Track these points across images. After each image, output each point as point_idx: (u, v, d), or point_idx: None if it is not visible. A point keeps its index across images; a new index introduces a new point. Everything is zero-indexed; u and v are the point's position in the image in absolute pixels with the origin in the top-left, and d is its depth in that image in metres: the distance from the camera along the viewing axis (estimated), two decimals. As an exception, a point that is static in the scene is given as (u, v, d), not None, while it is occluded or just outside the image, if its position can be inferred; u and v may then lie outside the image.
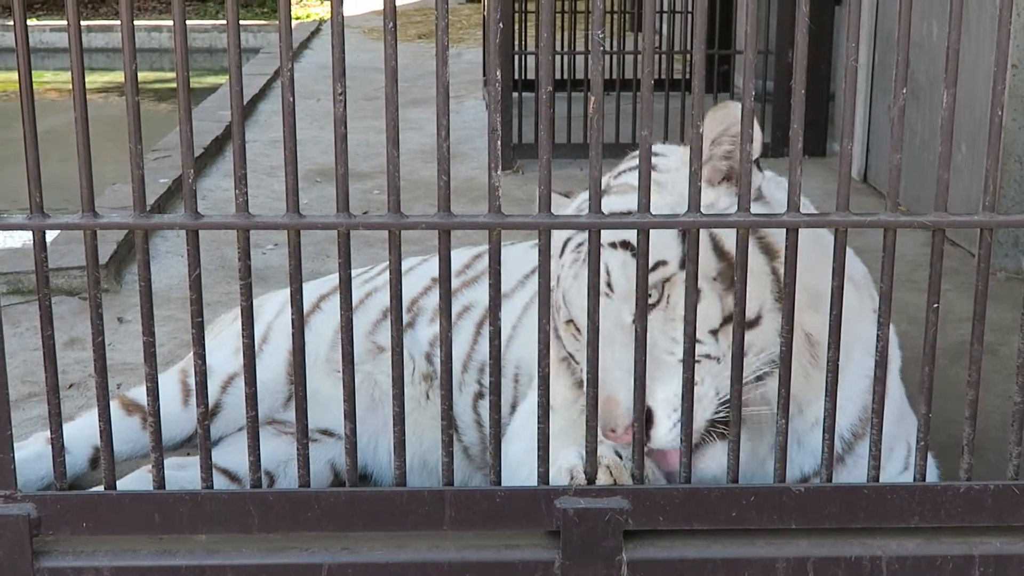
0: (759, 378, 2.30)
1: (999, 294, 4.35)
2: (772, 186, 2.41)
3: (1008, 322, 4.01)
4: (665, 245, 2.23)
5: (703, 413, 2.26)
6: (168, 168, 6.16)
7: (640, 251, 2.18)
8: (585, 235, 2.27)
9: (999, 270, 4.68)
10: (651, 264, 2.21)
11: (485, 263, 2.64)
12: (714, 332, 2.25)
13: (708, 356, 2.25)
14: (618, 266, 2.25)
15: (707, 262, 2.23)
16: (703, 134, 2.18)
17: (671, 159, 2.40)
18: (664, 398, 2.24)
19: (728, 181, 2.32)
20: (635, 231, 2.19)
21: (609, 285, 2.24)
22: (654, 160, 2.25)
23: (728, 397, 2.25)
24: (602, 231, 2.20)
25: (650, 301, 2.23)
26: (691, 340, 2.19)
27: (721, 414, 2.26)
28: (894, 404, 2.55)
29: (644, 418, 2.22)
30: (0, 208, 5.86)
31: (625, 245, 2.25)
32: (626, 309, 2.24)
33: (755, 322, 2.26)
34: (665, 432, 2.24)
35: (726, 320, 2.24)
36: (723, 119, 2.28)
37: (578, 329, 2.33)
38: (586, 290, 2.19)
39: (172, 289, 4.63)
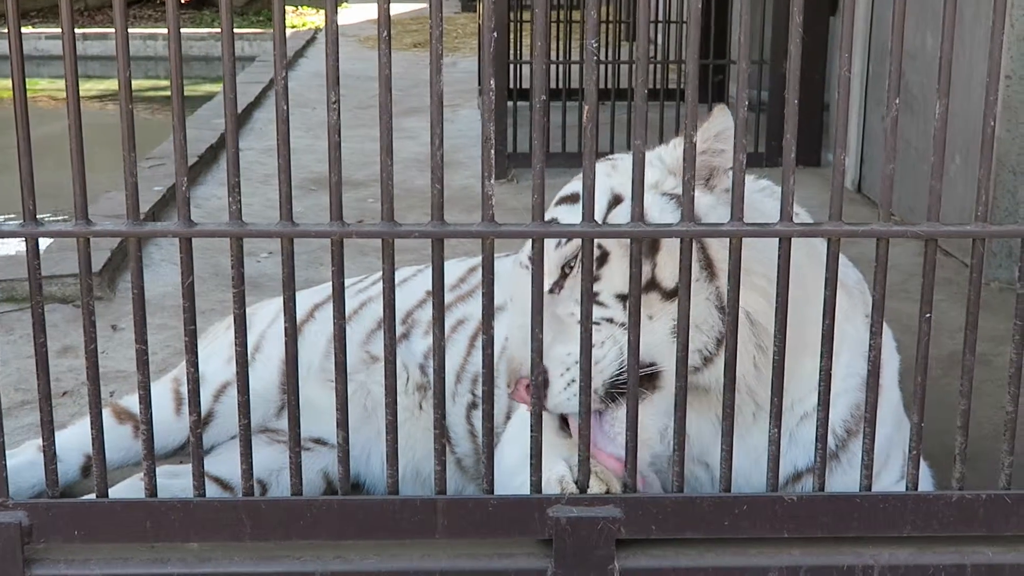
0: (707, 359, 2.31)
1: (992, 304, 4.36)
2: (757, 193, 2.42)
3: (1001, 332, 4.01)
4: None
5: (600, 376, 2.26)
6: (163, 176, 6.16)
7: (633, 259, 2.19)
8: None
9: (992, 280, 4.69)
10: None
11: (479, 277, 2.65)
12: (621, 297, 2.26)
13: (611, 320, 2.27)
14: (547, 247, 2.29)
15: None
16: (695, 143, 2.19)
17: (626, 163, 2.42)
18: (556, 356, 2.27)
19: (705, 185, 2.34)
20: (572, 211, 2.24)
21: (530, 259, 2.27)
22: (611, 165, 2.35)
23: (641, 365, 2.25)
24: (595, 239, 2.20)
25: (567, 272, 2.30)
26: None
27: (623, 379, 2.26)
28: (891, 411, 2.55)
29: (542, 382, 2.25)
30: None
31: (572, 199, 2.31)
32: (546, 283, 2.29)
33: (674, 292, 2.25)
34: (558, 391, 2.27)
35: (642, 288, 2.24)
36: (717, 124, 2.30)
37: None
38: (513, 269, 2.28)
39: (166, 297, 4.62)
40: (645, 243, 2.24)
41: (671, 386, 2.28)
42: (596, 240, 2.24)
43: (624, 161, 2.38)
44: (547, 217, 2.27)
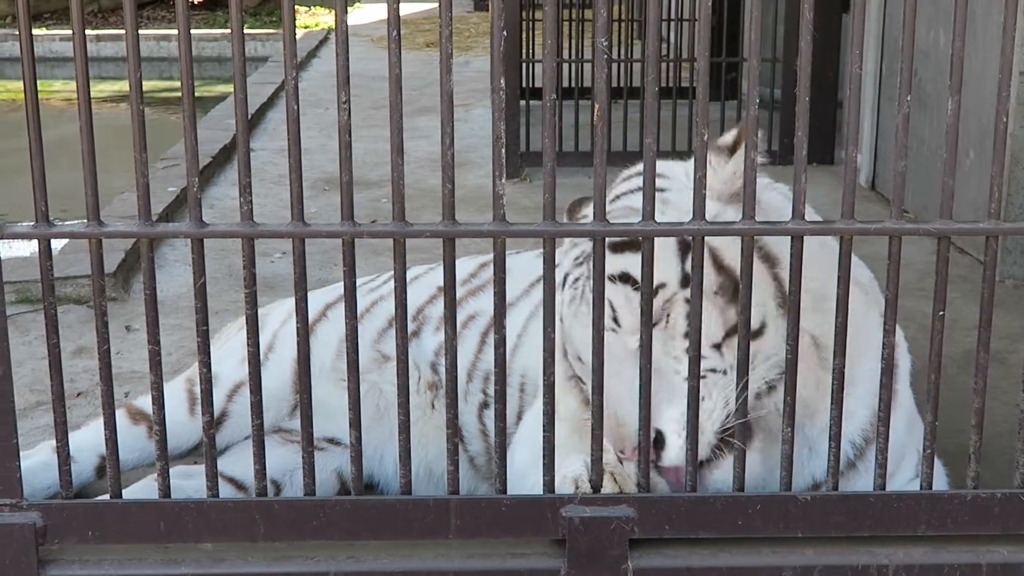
0: (771, 387, 2.30)
1: (1007, 302, 4.35)
2: (773, 194, 2.41)
3: (1016, 330, 4.01)
4: (664, 266, 2.23)
5: (712, 426, 2.25)
6: (176, 177, 6.17)
7: (644, 258, 2.18)
8: (582, 270, 2.31)
9: (1007, 278, 4.67)
10: (654, 286, 2.21)
11: (491, 272, 2.65)
12: (717, 346, 2.26)
13: (713, 370, 2.25)
14: (622, 302, 2.25)
15: (707, 277, 2.22)
16: (719, 146, 2.19)
17: (675, 179, 2.41)
18: (672, 417, 2.25)
19: (737, 199, 2.31)
20: (637, 262, 2.20)
21: (615, 320, 2.26)
22: (658, 181, 2.27)
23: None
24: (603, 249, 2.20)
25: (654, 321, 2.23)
26: (696, 350, 2.19)
27: (732, 425, 2.26)
28: (905, 411, 2.54)
29: (650, 433, 2.23)
30: (10, 217, 5.89)
31: (625, 279, 2.25)
32: (632, 340, 2.24)
33: (760, 331, 2.26)
34: (677, 451, 2.25)
35: (728, 333, 2.25)
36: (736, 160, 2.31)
37: (583, 362, 2.33)
38: (588, 327, 2.21)
39: (180, 298, 4.64)
40: (728, 290, 2.23)
41: (777, 430, 2.30)
42: (680, 293, 2.23)
43: (674, 188, 2.37)
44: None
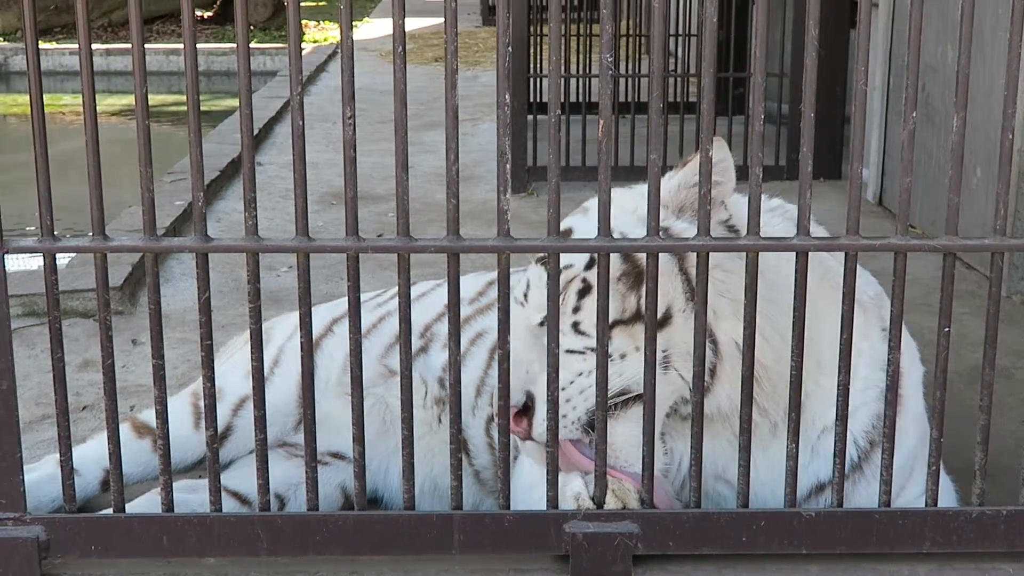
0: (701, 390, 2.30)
1: (1015, 318, 4.34)
2: (738, 198, 2.41)
3: (1023, 346, 3.99)
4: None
5: (585, 404, 2.28)
6: (184, 191, 6.18)
7: (649, 274, 2.18)
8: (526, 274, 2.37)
9: (1014, 293, 4.65)
10: (563, 266, 2.29)
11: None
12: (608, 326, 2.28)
13: (594, 349, 2.27)
14: (536, 280, 2.35)
15: (613, 263, 2.27)
16: (710, 157, 2.20)
17: (621, 200, 2.44)
18: (544, 383, 2.28)
19: (689, 212, 2.34)
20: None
21: (525, 296, 2.36)
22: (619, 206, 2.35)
23: (625, 392, 2.28)
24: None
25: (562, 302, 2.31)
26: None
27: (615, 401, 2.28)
28: (915, 421, 2.51)
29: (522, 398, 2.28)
30: (25, 226, 5.91)
31: (545, 261, 2.33)
32: (536, 316, 2.33)
33: (665, 321, 2.27)
34: (541, 419, 2.28)
35: (628, 319, 2.28)
36: (694, 163, 2.31)
37: None
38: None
39: (187, 311, 4.64)
40: (631, 276, 2.26)
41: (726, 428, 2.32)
42: (581, 274, 2.29)
43: (621, 197, 2.41)
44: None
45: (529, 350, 2.31)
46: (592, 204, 2.42)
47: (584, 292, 2.31)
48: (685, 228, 2.31)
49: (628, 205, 2.37)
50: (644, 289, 2.23)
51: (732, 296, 2.26)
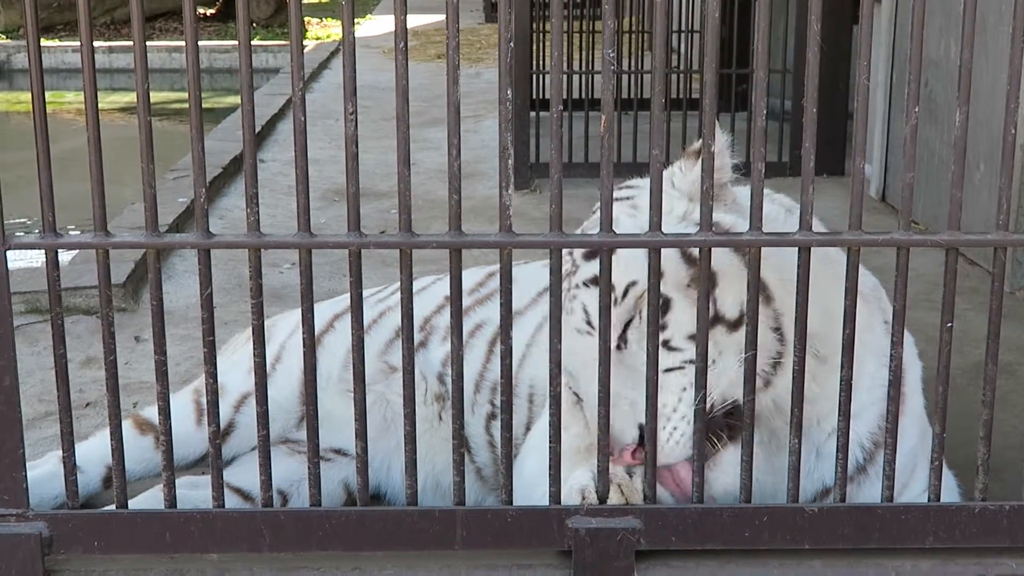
0: (767, 382, 2.30)
1: (1018, 313, 4.33)
2: (742, 189, 2.40)
3: (1026, 342, 3.99)
4: (635, 264, 2.24)
5: (691, 418, 2.25)
6: (187, 188, 6.18)
7: (651, 269, 2.18)
8: (567, 282, 2.31)
9: (1018, 289, 4.65)
10: (624, 286, 2.25)
11: (498, 281, 2.65)
12: (692, 338, 2.25)
13: (691, 362, 2.25)
14: (591, 302, 2.27)
15: (678, 271, 2.24)
16: (688, 152, 2.25)
17: (643, 187, 2.42)
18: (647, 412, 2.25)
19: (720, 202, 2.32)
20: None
21: (588, 323, 2.28)
22: (627, 191, 2.37)
23: (728, 402, 2.25)
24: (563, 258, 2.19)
25: (627, 326, 2.26)
26: (703, 347, 2.19)
27: (718, 414, 2.25)
28: (915, 420, 2.52)
29: (641, 435, 2.25)
30: (30, 224, 5.91)
31: (597, 282, 2.26)
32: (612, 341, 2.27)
33: (738, 322, 2.25)
34: (663, 443, 2.25)
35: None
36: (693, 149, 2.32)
37: (568, 371, 2.34)
38: (570, 336, 2.25)
39: (189, 308, 4.64)
40: (697, 281, 2.22)
41: (779, 430, 2.31)
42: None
43: (642, 196, 2.35)
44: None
45: (623, 382, 2.25)
46: (636, 196, 2.40)
47: (665, 308, 2.24)
48: (721, 218, 2.29)
49: (678, 211, 2.32)
50: (716, 292, 2.21)
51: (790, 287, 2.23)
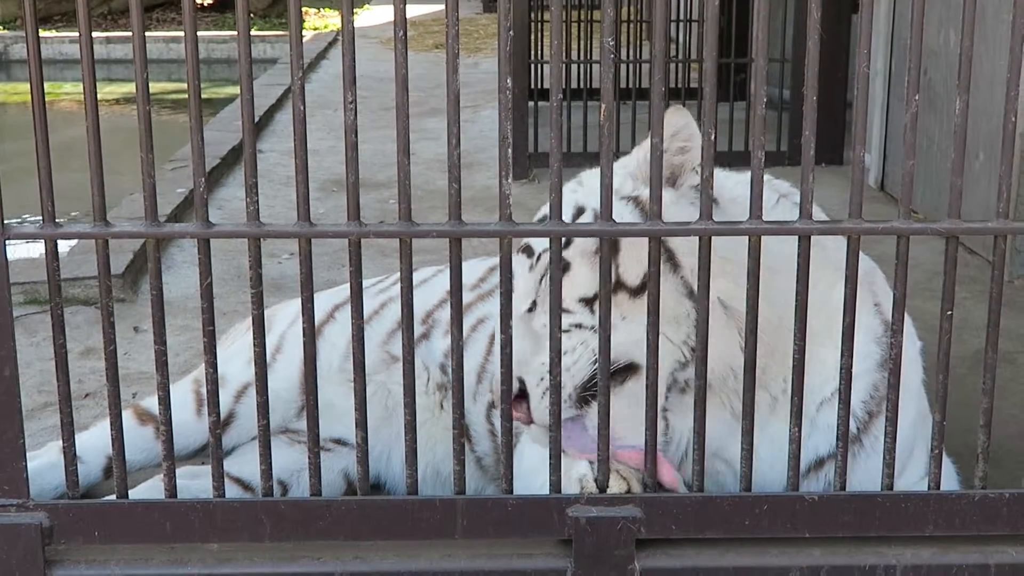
0: (692, 349, 2.29)
1: (1017, 302, 4.33)
2: (737, 188, 2.40)
3: (1026, 330, 3.99)
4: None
5: (571, 381, 2.28)
6: (185, 178, 6.18)
7: (652, 258, 2.18)
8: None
9: (1017, 277, 4.65)
10: (538, 253, 2.36)
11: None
12: (586, 301, 2.29)
13: (579, 325, 2.29)
14: (519, 269, 2.38)
15: (585, 239, 2.28)
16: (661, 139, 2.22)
17: (591, 180, 2.46)
18: (534, 368, 2.30)
19: (671, 184, 2.34)
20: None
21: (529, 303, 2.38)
22: (577, 182, 2.44)
23: (615, 363, 2.26)
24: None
25: (540, 285, 2.35)
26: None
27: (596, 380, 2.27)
28: (913, 397, 2.49)
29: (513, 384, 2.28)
30: (27, 216, 5.89)
31: (526, 250, 2.41)
32: (522, 304, 2.36)
33: (640, 288, 2.26)
34: (536, 402, 2.29)
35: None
36: (672, 124, 2.30)
37: None
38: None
39: (188, 299, 4.64)
40: (606, 246, 2.24)
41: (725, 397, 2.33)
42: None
43: (590, 178, 2.44)
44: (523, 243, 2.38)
45: (521, 338, 2.31)
46: (585, 177, 2.47)
47: (563, 270, 2.28)
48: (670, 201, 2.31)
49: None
50: (620, 258, 2.25)
51: (716, 253, 2.23)
